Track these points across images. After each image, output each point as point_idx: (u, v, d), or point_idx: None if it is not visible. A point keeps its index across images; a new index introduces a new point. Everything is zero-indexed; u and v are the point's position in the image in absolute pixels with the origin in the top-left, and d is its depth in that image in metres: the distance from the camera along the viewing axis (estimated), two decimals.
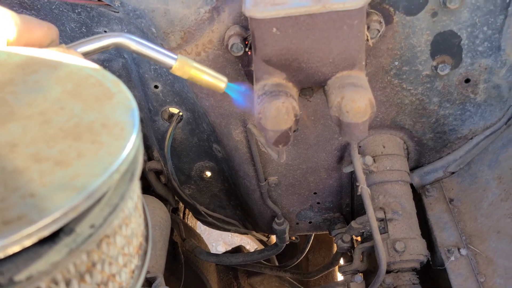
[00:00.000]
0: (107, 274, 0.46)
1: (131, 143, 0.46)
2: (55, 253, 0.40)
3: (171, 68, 0.86)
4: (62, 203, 0.39)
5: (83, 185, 0.41)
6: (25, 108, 0.50)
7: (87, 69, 0.58)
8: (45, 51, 0.60)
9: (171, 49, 1.09)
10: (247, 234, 2.25)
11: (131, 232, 0.50)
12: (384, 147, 1.35)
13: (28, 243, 0.38)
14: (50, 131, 0.47)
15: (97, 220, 0.43)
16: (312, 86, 1.05)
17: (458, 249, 1.19)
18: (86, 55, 0.78)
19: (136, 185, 0.52)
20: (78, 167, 0.43)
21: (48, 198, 0.40)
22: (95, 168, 0.43)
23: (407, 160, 1.41)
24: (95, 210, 0.43)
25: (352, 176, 1.51)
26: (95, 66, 0.59)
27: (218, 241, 4.64)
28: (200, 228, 3.48)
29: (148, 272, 1.04)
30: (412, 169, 1.44)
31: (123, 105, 0.52)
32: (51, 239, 0.40)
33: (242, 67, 1.12)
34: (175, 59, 0.85)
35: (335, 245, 1.71)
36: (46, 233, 0.39)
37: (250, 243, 3.89)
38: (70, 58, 0.60)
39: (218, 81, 0.89)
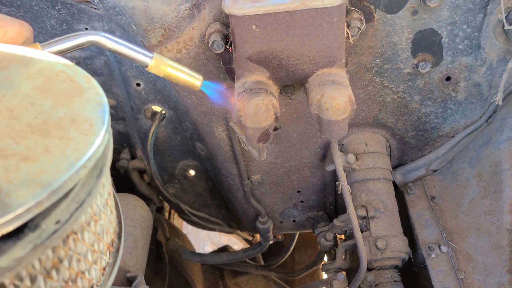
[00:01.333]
0: (75, 271, 0.45)
1: (99, 139, 0.46)
2: (19, 249, 0.39)
3: (147, 66, 0.88)
4: (26, 199, 0.39)
5: (48, 181, 0.41)
6: None
7: (59, 65, 0.57)
8: (17, 47, 0.60)
9: (151, 46, 1.08)
10: (231, 233, 2.24)
11: (101, 229, 0.50)
12: (366, 145, 1.35)
13: None
14: (17, 127, 0.47)
15: (63, 216, 0.42)
16: (293, 84, 1.05)
17: (439, 246, 1.20)
18: (62, 53, 0.79)
19: (107, 182, 0.51)
20: (44, 163, 0.43)
21: (12, 194, 0.39)
22: (61, 164, 0.43)
23: (390, 158, 1.41)
24: (61, 206, 0.42)
25: (335, 174, 1.51)
26: (67, 62, 0.58)
27: (205, 241, 4.61)
28: (188, 228, 3.46)
29: (128, 271, 1.03)
30: (395, 167, 1.45)
31: (94, 101, 0.51)
32: (16, 234, 0.40)
33: (223, 65, 1.12)
34: (151, 57, 0.87)
35: None
36: (10, 228, 0.38)
37: (238, 243, 3.87)
38: (42, 54, 0.59)
39: (193, 79, 0.93)
